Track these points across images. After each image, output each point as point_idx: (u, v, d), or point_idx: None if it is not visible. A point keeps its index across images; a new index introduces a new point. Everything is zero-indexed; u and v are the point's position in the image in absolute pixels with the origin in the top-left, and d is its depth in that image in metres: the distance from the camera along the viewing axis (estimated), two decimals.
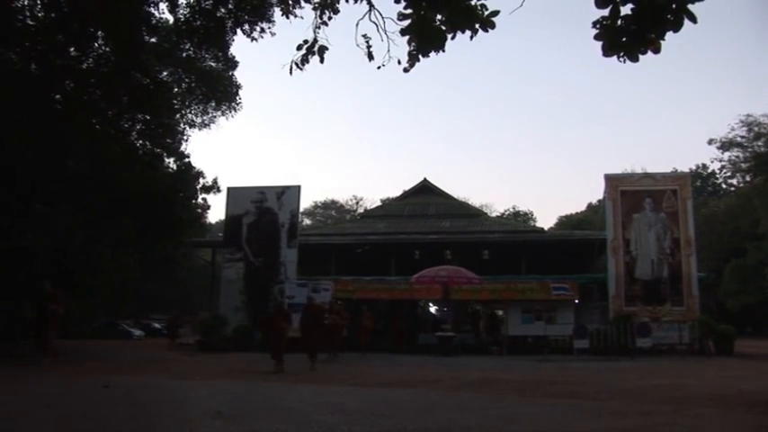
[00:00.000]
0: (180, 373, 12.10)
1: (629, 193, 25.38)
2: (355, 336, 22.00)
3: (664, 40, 5.19)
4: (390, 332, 24.80)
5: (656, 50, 5.22)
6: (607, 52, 5.22)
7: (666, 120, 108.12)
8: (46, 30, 17.96)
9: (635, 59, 5.26)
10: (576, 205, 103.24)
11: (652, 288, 24.25)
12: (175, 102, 22.97)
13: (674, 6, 5.04)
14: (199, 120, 25.07)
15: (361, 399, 8.95)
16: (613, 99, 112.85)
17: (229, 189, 28.37)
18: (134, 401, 8.30)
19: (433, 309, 30.97)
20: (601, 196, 30.50)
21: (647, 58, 5.24)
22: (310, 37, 6.71)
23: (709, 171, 59.24)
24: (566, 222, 59.53)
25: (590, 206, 61.84)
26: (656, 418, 6.85)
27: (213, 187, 26.01)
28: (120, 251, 21.81)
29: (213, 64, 23.00)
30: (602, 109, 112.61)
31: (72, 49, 19.13)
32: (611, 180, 25.90)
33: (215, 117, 25.13)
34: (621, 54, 5.24)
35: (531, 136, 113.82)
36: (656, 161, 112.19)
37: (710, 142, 48.15)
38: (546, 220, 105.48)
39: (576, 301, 24.63)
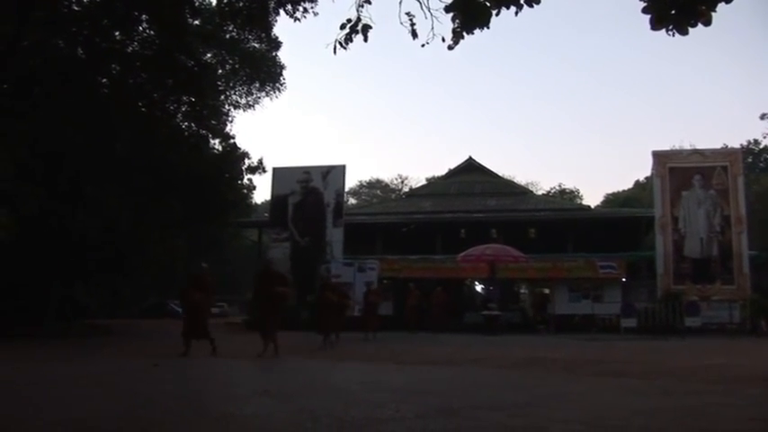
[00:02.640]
0: (227, 352, 12.26)
1: (677, 169, 24.83)
2: (403, 315, 22.10)
3: (715, 11, 4.98)
4: (432, 310, 24.74)
5: (707, 23, 4.99)
6: (655, 26, 5.02)
7: (717, 95, 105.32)
8: (91, 14, 18.23)
9: (684, 32, 5.04)
10: (623, 182, 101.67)
11: (701, 266, 23.78)
12: (220, 83, 23.18)
13: None
14: (243, 101, 25.29)
15: (408, 377, 8.94)
16: (661, 74, 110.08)
17: (275, 169, 28.57)
18: (182, 380, 8.43)
19: (479, 287, 30.87)
20: (648, 173, 29.94)
21: (697, 31, 5.03)
22: (353, 16, 6.62)
23: (762, 147, 57.39)
24: (612, 200, 58.59)
25: (637, 183, 60.68)
26: (707, 398, 6.69)
27: (258, 168, 26.22)
28: (167, 232, 22.19)
29: (257, 45, 23.10)
30: (649, 84, 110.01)
31: (117, 33, 19.40)
32: (659, 157, 25.36)
33: (259, 98, 25.31)
34: (670, 27, 5.03)
35: (577, 113, 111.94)
36: (706, 137, 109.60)
37: (763, 117, 46.75)
38: (592, 197, 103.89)
39: (624, 279, 24.36)
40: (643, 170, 68.88)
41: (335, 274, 24.54)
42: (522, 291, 36.10)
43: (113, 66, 19.99)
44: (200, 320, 12.09)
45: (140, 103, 20.60)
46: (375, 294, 18.23)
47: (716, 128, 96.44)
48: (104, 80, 20.35)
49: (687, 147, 38.44)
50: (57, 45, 18.94)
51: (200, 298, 12.12)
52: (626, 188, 62.95)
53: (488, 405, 6.28)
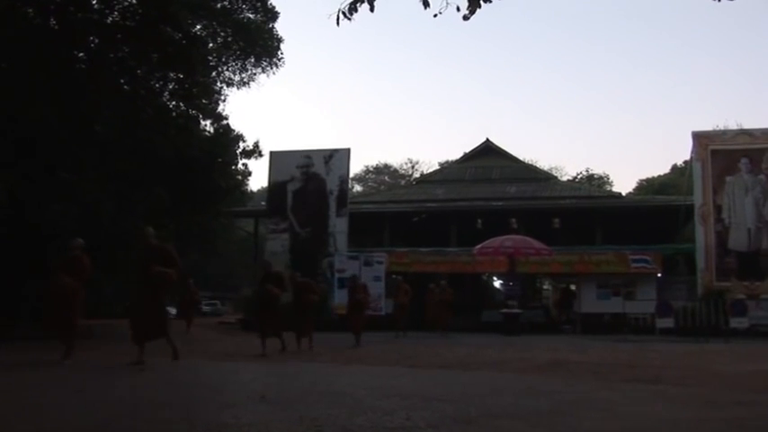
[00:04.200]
0: (220, 355, 12.30)
1: (721, 152, 24.68)
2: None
3: None
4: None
5: None
6: None
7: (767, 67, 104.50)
8: None
9: None
10: (659, 167, 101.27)
11: (749, 261, 23.67)
12: (210, 58, 23.12)
13: None
14: (237, 78, 25.21)
15: (420, 382, 8.95)
16: (702, 46, 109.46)
17: (272, 153, 28.62)
18: (171, 385, 8.45)
19: (497, 283, 30.89)
20: (688, 156, 29.69)
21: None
22: None
23: None
24: (647, 186, 58.48)
25: (675, 168, 60.40)
26: (757, 410, 6.64)
27: (254, 151, 26.25)
28: (153, 223, 22.20)
29: (251, 15, 23.04)
30: (688, 57, 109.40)
31: (94, 2, 19.35)
32: (699, 138, 25.21)
33: (254, 74, 25.23)
34: None
35: (608, 89, 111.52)
36: (754, 115, 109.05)
37: None
38: (624, 183, 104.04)
39: (659, 274, 24.30)
40: (681, 153, 68.61)
41: (340, 268, 24.58)
42: (546, 287, 36.12)
43: (91, 38, 19.96)
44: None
45: (122, 81, 20.61)
46: (362, 291, 17.38)
47: (766, 105, 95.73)
48: (81, 54, 20.33)
49: (733, 126, 38.31)
50: (26, 14, 18.92)
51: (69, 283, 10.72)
52: (662, 173, 62.83)
53: (508, 413, 6.27)
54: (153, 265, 10.06)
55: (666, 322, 21.21)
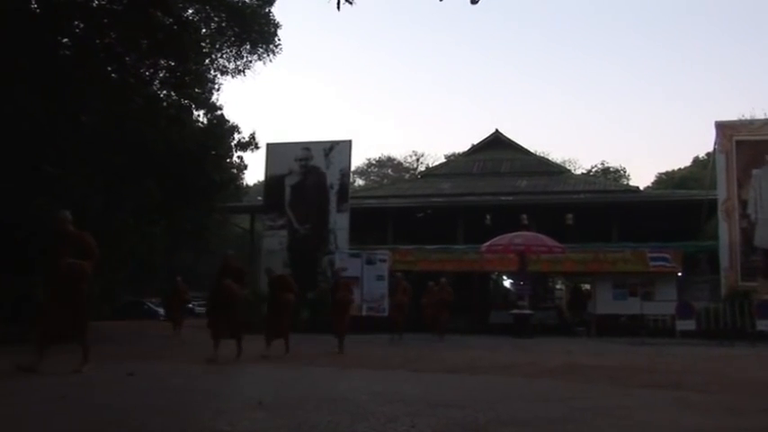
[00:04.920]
0: (215, 359, 12.32)
1: (746, 143, 24.65)
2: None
3: None
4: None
5: None
6: None
7: None
8: None
9: None
10: (680, 160, 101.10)
11: None
12: (203, 45, 23.10)
13: None
14: (231, 65, 25.16)
15: (425, 386, 8.97)
16: (727, 30, 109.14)
17: (269, 145, 28.66)
18: (163, 391, 8.46)
19: (507, 282, 30.91)
20: (710, 148, 29.68)
21: None
22: None
23: None
24: (666, 180, 58.46)
25: (696, 160, 60.39)
26: None
27: (251, 144, 26.20)
28: (144, 219, 22.24)
29: None
30: (712, 42, 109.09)
31: None
32: (724, 128, 25.18)
33: (250, 62, 25.17)
34: None
35: (624, 77, 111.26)
36: None
37: None
38: (642, 177, 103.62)
39: (680, 273, 24.28)
40: (704, 145, 68.67)
41: (341, 267, 24.58)
42: (558, 286, 36.12)
43: (76, 23, 19.94)
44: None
45: (109, 69, 20.58)
46: (344, 289, 16.66)
47: None
48: (65, 41, 20.31)
49: (759, 116, 38.23)
50: None
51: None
52: (682, 166, 62.75)
53: (518, 420, 6.29)
54: (65, 257, 9.23)
55: (687, 324, 21.19)
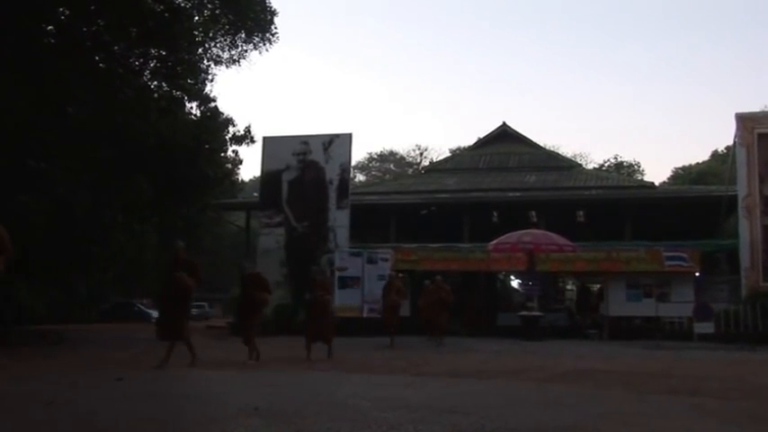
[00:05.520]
0: (209, 363, 12.33)
1: None
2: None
3: None
4: (462, 311, 24.68)
5: None
6: None
7: None
8: None
9: None
10: (697, 154, 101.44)
11: None
12: (196, 33, 23.06)
13: None
14: (226, 55, 25.12)
15: (429, 392, 8.96)
16: (750, 15, 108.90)
17: (266, 139, 28.65)
18: (154, 397, 8.46)
19: (515, 282, 30.90)
20: (730, 141, 29.62)
21: None
22: None
23: None
24: (683, 175, 58.50)
25: (716, 154, 60.40)
26: None
27: (246, 137, 26.28)
28: (133, 216, 22.27)
29: None
30: (732, 29, 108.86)
31: None
32: (745, 120, 25.11)
33: (245, 51, 25.13)
34: None
35: (638, 67, 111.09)
36: None
37: None
38: (657, 172, 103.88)
39: (697, 274, 24.20)
40: (723, 138, 68.58)
41: (341, 267, 24.57)
42: (569, 287, 36.08)
43: (61, 10, 19.92)
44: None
45: (98, 58, 20.57)
46: (321, 288, 16.04)
47: None
48: (50, 28, 20.30)
49: None
50: None
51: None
52: (700, 161, 62.80)
53: (527, 427, 6.29)
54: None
55: (705, 327, 21.17)
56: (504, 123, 37.51)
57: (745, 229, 24.15)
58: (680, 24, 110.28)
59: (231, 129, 25.99)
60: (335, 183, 27.63)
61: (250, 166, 78.80)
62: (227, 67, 25.28)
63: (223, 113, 25.56)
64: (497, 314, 26.71)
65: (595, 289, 29.62)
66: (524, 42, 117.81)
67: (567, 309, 29.99)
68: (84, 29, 19.92)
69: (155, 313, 40.46)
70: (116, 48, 20.73)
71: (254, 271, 14.63)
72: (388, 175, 65.30)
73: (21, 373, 10.78)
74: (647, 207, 29.42)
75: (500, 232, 24.08)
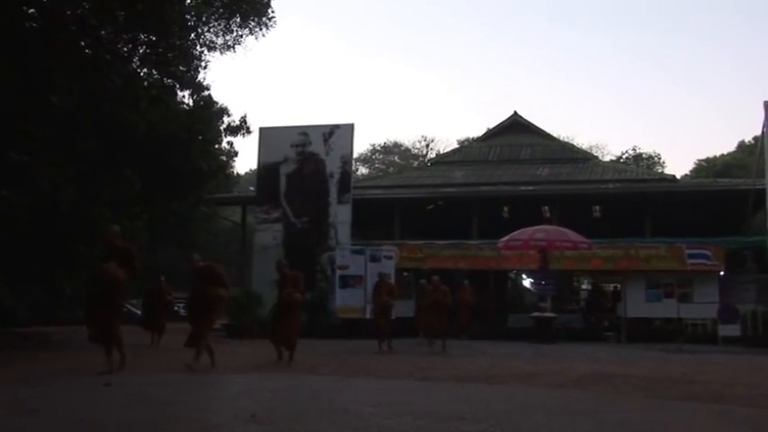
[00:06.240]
0: (203, 366, 12.33)
1: None
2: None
3: None
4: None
5: None
6: None
7: None
8: None
9: None
10: (722, 145, 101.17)
11: None
12: (188, 17, 23.05)
13: None
14: (220, 40, 25.06)
15: (436, 397, 8.98)
16: None
17: (262, 130, 28.66)
18: (145, 403, 8.47)
19: (527, 282, 30.89)
20: (758, 131, 29.59)
21: None
22: None
23: None
24: (707, 168, 58.46)
25: (742, 145, 60.41)
26: None
27: (241, 128, 26.23)
28: (122, 212, 22.25)
29: None
30: (762, 9, 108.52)
31: None
32: None
33: (241, 37, 25.06)
34: None
35: (658, 53, 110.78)
36: None
37: None
38: (679, 164, 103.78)
39: (722, 272, 24.18)
40: (750, 128, 68.55)
41: (342, 265, 24.56)
42: (584, 286, 36.07)
43: None
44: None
45: (83, 43, 20.54)
46: (293, 284, 15.33)
47: None
48: (32, 11, 20.27)
49: None
50: None
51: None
52: (725, 152, 62.84)
53: None
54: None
55: (731, 330, 21.17)
56: (516, 113, 37.53)
57: None
58: (705, 6, 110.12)
59: (226, 119, 25.95)
60: (336, 176, 27.62)
61: (246, 158, 79.05)
62: (221, 53, 25.20)
63: (217, 102, 25.51)
64: (508, 315, 26.72)
65: (609, 289, 29.56)
66: (537, 27, 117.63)
67: (582, 309, 30.01)
68: (69, 12, 19.88)
69: (137, 312, 40.52)
70: (103, 32, 20.67)
71: (205, 263, 13.68)
72: (392, 168, 65.35)
73: (2, 379, 10.78)
74: (667, 202, 29.39)
75: (511, 228, 24.05)
